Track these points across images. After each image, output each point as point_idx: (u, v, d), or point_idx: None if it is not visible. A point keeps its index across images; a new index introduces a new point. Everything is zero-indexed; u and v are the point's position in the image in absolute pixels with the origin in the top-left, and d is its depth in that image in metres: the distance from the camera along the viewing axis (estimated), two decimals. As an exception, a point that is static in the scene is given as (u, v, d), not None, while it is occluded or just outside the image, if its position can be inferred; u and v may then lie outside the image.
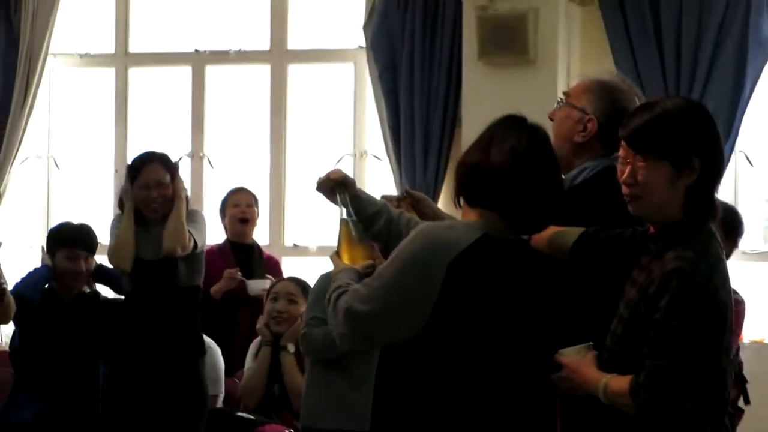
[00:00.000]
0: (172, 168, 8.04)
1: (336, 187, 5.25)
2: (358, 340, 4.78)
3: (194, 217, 8.09)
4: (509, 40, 9.86)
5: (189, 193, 8.22)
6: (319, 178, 5.31)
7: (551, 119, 5.40)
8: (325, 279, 5.72)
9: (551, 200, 4.80)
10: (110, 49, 11.35)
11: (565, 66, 10.05)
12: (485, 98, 9.66)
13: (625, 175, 4.42)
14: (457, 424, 4.67)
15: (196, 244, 7.97)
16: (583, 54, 10.23)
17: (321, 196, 5.33)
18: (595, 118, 5.23)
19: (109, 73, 11.41)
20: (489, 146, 4.74)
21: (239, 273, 9.44)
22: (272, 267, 9.63)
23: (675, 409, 4.34)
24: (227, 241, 9.84)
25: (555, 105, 5.46)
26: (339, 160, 10.67)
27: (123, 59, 11.36)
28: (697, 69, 9.84)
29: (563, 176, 5.11)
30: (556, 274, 4.89)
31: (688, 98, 5.31)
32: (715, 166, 4.45)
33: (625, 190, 4.45)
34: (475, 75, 10.02)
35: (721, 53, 9.78)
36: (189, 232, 7.92)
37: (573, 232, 4.95)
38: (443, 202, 9.96)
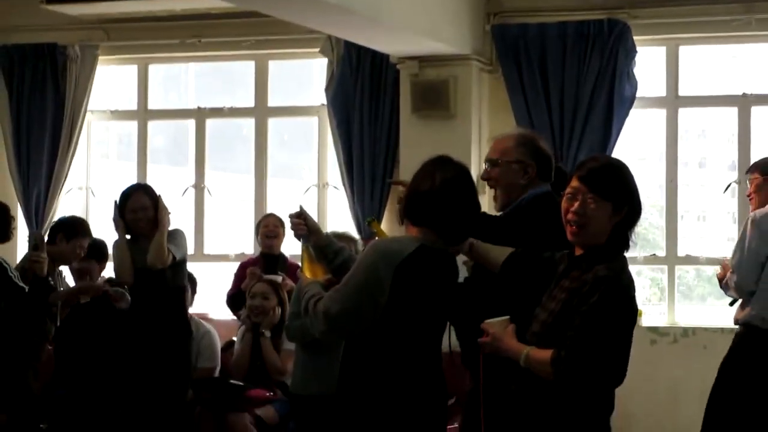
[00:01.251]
0: (153, 196, 8.16)
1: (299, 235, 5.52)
2: (334, 333, 5.04)
3: (174, 235, 8.15)
4: (435, 100, 10.07)
5: (170, 217, 8.22)
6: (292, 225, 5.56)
7: (487, 179, 5.64)
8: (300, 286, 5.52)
9: (471, 218, 5.02)
10: (133, 106, 11.52)
11: (477, 118, 10.20)
12: (417, 143, 9.87)
13: (576, 206, 4.55)
14: (399, 382, 4.92)
15: (174, 258, 8.09)
16: (491, 109, 10.37)
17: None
18: (533, 163, 5.56)
19: (133, 126, 11.56)
20: (424, 177, 4.97)
21: (258, 270, 9.34)
22: (293, 271, 9.04)
23: (586, 381, 4.49)
24: (260, 253, 9.79)
25: (484, 167, 5.66)
26: (307, 190, 10.80)
27: (143, 114, 11.48)
28: (576, 120, 10.02)
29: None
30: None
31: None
32: (636, 212, 4.59)
33: (572, 217, 4.56)
34: (410, 125, 10.19)
35: (594, 108, 9.98)
36: (168, 249, 8.00)
37: (503, 251, 5.14)
38: (386, 222, 10.18)
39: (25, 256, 8.12)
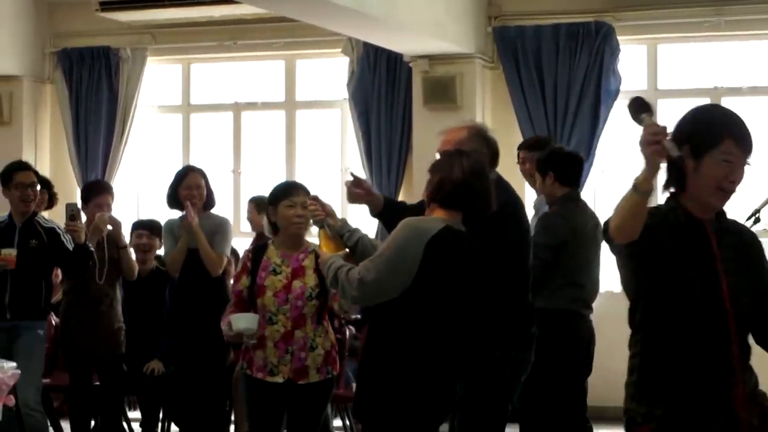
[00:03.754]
0: (205, 177, 7.95)
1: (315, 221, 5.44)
2: (367, 299, 4.98)
3: (225, 229, 7.91)
4: (444, 94, 10.12)
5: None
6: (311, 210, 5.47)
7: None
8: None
9: (490, 200, 5.02)
10: (178, 101, 11.60)
11: (481, 110, 10.22)
12: (428, 132, 9.17)
13: (740, 175, 3.82)
14: (424, 353, 4.88)
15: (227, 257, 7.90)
16: (493, 102, 10.42)
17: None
18: (486, 152, 5.47)
19: (178, 118, 11.62)
20: (453, 167, 4.94)
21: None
22: None
23: None
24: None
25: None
26: (331, 175, 10.85)
27: (187, 108, 11.57)
28: (567, 111, 10.09)
29: None
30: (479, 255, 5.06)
31: None
32: None
33: (732, 186, 3.80)
34: (421, 117, 10.23)
35: (583, 100, 10.05)
36: (222, 253, 7.77)
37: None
38: (401, 198, 10.16)
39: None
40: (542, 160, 7.14)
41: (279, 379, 5.89)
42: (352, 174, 5.73)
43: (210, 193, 7.98)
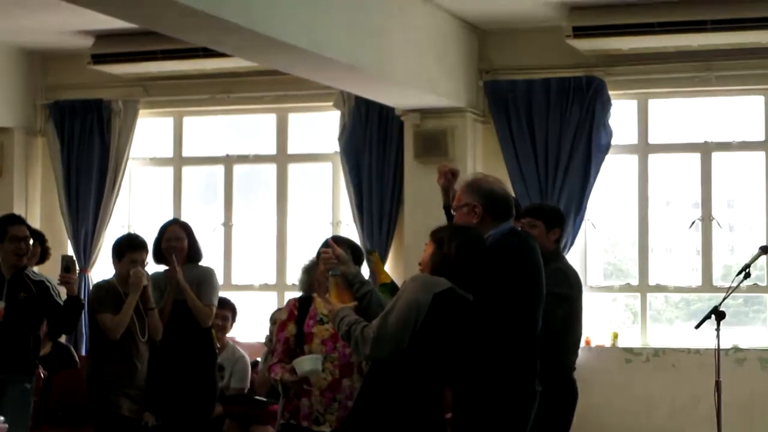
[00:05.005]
0: (187, 230, 7.94)
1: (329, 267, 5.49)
2: (379, 355, 5.08)
3: (210, 281, 7.89)
4: (435, 147, 10.07)
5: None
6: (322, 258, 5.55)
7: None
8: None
9: (479, 275, 5.18)
10: (170, 154, 11.52)
11: (472, 163, 10.18)
12: (420, 185, 9.94)
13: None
14: (417, 403, 5.04)
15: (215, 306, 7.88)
16: (484, 155, 10.37)
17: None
18: (479, 203, 5.46)
19: (169, 171, 11.56)
20: (446, 244, 5.15)
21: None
22: None
23: None
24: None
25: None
26: (321, 228, 10.72)
27: (179, 161, 11.52)
28: (559, 165, 10.04)
29: None
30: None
31: None
32: None
33: None
34: (413, 170, 10.20)
35: (574, 154, 10.01)
36: (210, 304, 7.77)
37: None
38: (392, 256, 10.34)
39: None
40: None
41: (326, 429, 5.79)
42: (328, 239, 5.71)
43: (194, 245, 7.95)
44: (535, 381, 5.50)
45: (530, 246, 5.53)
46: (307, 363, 5.60)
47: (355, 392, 5.71)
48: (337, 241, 5.74)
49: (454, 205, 5.63)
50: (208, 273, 7.95)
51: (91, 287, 7.60)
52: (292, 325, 5.89)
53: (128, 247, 7.60)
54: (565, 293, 6.68)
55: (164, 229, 7.94)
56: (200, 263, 8.00)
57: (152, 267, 7.93)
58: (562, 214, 7.24)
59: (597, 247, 10.62)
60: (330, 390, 5.77)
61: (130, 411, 7.48)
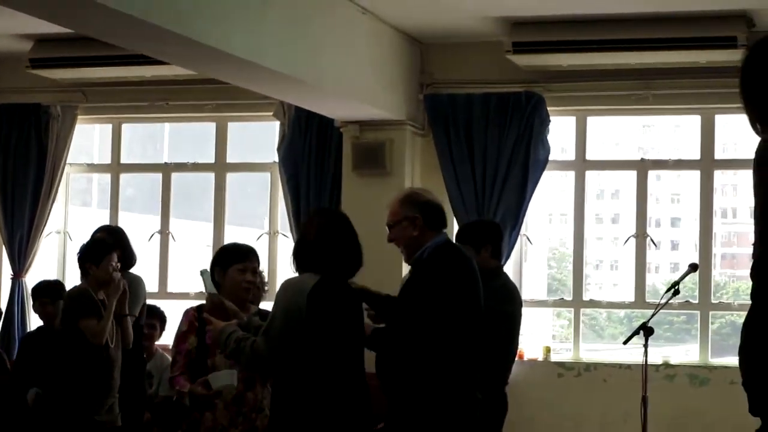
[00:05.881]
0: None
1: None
2: (269, 368, 5.16)
3: (135, 289, 7.81)
4: (373, 159, 10.07)
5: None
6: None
7: (391, 240, 5.68)
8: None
9: (355, 257, 5.21)
10: (108, 160, 11.40)
11: (410, 176, 10.16)
12: (357, 197, 9.91)
13: None
14: (327, 399, 5.03)
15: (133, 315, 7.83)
16: (423, 168, 10.35)
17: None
18: (418, 215, 5.57)
19: (107, 178, 11.45)
20: (305, 230, 5.30)
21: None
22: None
23: None
24: None
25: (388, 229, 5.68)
26: (259, 237, 10.61)
27: (117, 168, 11.35)
28: (496, 179, 10.02)
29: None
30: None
31: None
32: None
33: None
34: (351, 181, 10.17)
35: (512, 169, 10.00)
36: (128, 315, 7.59)
37: None
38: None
39: None
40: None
41: None
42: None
43: (126, 250, 7.91)
44: (474, 390, 5.52)
45: (465, 257, 5.58)
46: (223, 378, 5.61)
47: (259, 404, 5.77)
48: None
49: (389, 221, 5.65)
50: (134, 282, 7.89)
51: (64, 296, 7.42)
52: (194, 337, 5.89)
53: (105, 251, 7.44)
54: (509, 311, 6.77)
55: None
56: (132, 270, 7.97)
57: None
58: (491, 227, 7.33)
59: (535, 262, 10.66)
60: (234, 404, 5.77)
61: (106, 419, 7.38)
